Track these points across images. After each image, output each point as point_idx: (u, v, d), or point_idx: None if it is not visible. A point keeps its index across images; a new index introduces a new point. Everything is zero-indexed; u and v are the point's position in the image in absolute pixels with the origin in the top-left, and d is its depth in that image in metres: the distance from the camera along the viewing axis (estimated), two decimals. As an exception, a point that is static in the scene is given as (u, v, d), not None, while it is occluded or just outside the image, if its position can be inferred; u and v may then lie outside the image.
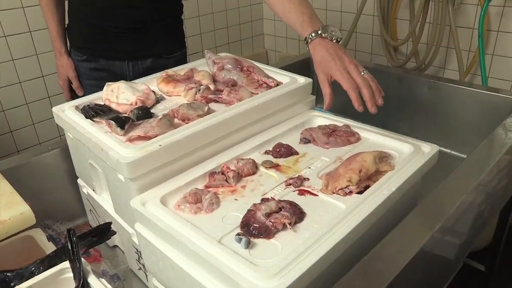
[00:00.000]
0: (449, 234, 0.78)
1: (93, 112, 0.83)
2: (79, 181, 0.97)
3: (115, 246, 0.96)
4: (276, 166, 0.80)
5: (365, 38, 2.30)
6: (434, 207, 0.75)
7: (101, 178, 0.86)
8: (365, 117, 1.49)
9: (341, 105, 1.58)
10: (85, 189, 0.95)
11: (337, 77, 0.83)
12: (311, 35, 0.88)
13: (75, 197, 1.01)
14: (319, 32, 0.88)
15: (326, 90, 0.86)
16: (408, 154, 0.80)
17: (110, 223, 0.77)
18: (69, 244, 0.62)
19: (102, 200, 0.90)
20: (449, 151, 1.33)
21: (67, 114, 0.86)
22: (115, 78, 1.00)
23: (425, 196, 0.78)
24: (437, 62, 2.02)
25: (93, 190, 0.91)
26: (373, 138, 0.88)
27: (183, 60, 1.35)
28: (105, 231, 0.76)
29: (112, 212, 0.86)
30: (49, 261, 0.65)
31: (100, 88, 0.93)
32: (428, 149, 0.82)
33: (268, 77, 1.00)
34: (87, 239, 0.72)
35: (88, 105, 0.86)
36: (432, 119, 1.36)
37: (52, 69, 1.89)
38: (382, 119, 1.45)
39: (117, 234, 0.88)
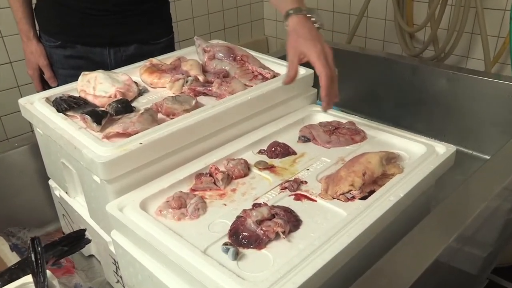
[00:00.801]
0: (469, 245, 0.78)
1: (66, 105, 0.83)
2: (51, 182, 0.97)
3: (91, 255, 0.97)
4: (270, 168, 0.80)
5: (377, 24, 2.30)
6: (450, 214, 0.75)
7: (75, 179, 0.86)
8: (375, 113, 1.52)
9: (348, 100, 1.61)
10: (57, 192, 0.95)
11: (312, 58, 0.80)
12: (296, 10, 0.85)
13: (46, 200, 1.01)
14: (304, 11, 0.86)
15: (292, 71, 0.84)
16: (419, 155, 0.80)
17: (84, 230, 0.78)
18: (32, 255, 0.62)
19: (76, 204, 0.90)
20: (469, 151, 1.33)
21: (36, 106, 0.86)
22: (95, 67, 1.00)
23: (440, 202, 0.78)
24: (459, 50, 2.00)
25: (66, 192, 0.91)
26: (381, 136, 0.88)
27: (170, 47, 1.34)
28: (78, 239, 0.76)
29: (87, 217, 0.86)
30: (10, 275, 0.65)
31: (77, 78, 0.93)
32: (443, 150, 0.82)
33: (264, 67, 1.00)
34: (57, 249, 0.72)
35: (60, 97, 0.86)
36: (451, 115, 1.36)
37: (21, 55, 1.89)
38: (395, 116, 1.47)
39: (93, 243, 0.89)
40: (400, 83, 1.44)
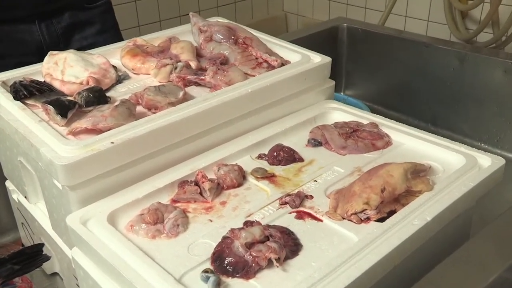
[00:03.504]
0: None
1: (26, 92, 0.83)
2: (8, 183, 0.98)
3: (55, 274, 0.97)
4: (270, 177, 0.79)
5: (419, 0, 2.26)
6: (497, 242, 0.73)
7: (36, 182, 0.86)
8: (410, 110, 1.50)
9: (377, 92, 1.59)
10: (16, 196, 0.95)
11: None
12: None
13: (2, 205, 1.01)
14: None
15: None
16: (457, 169, 0.78)
17: (42, 245, 0.78)
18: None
19: (37, 211, 0.90)
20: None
21: (-12, 91, 0.86)
22: (25, 51, 0.95)
23: (485, 225, 0.76)
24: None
25: (25, 197, 0.91)
26: (409, 143, 0.87)
27: (109, 12, 1.31)
28: (33, 256, 0.76)
29: (49, 228, 0.86)
30: None
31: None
32: (487, 162, 0.80)
33: (271, 53, 0.99)
34: (6, 267, 0.72)
35: (20, 81, 0.86)
36: (508, 116, 1.33)
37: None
38: (434, 114, 1.45)
39: (56, 258, 0.89)
40: (444, 74, 1.42)
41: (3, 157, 0.93)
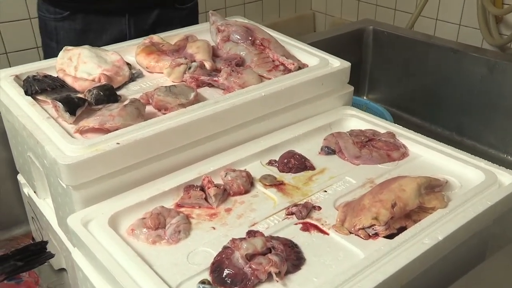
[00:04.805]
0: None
1: (38, 87, 0.82)
2: (20, 177, 0.98)
3: (62, 269, 0.96)
4: (279, 185, 0.77)
5: (452, 2, 2.19)
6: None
7: (44, 178, 0.85)
8: (434, 118, 1.46)
9: (401, 97, 1.55)
10: (26, 190, 0.95)
11: None
12: None
13: (15, 198, 1.02)
14: None
15: None
16: (475, 185, 0.75)
17: (45, 242, 0.77)
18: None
19: (45, 207, 0.90)
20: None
21: (2, 85, 0.86)
22: (113, 42, 0.98)
23: (503, 247, 0.73)
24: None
25: (35, 192, 0.91)
26: (427, 155, 0.84)
27: (193, 16, 1.34)
28: (37, 253, 0.75)
29: (55, 224, 0.86)
30: None
31: None
32: (508, 180, 0.77)
33: (288, 56, 0.97)
34: (8, 264, 0.72)
35: (34, 76, 0.86)
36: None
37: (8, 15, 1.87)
38: (459, 123, 1.41)
39: (62, 255, 0.88)
40: (471, 82, 1.37)
41: (15, 152, 0.93)
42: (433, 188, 0.73)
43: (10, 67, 0.91)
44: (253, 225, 0.69)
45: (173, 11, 1.27)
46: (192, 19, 1.33)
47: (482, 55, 1.37)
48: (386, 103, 1.54)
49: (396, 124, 0.92)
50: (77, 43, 1.19)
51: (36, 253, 0.76)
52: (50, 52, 1.24)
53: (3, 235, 1.00)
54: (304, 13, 2.86)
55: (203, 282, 0.59)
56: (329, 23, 2.80)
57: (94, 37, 1.21)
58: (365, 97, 1.61)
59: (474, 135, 1.39)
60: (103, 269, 0.62)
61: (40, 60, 0.98)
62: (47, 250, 0.77)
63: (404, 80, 1.54)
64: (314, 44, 1.04)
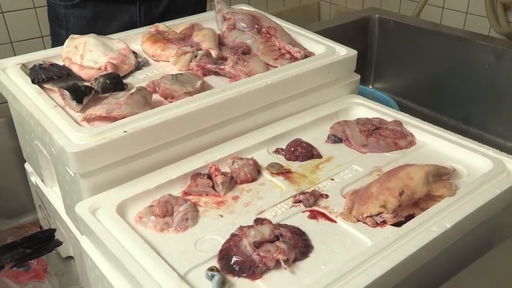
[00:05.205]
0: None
1: (44, 76, 0.82)
2: (27, 166, 0.98)
3: (70, 257, 0.97)
4: (286, 173, 0.76)
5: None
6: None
7: (51, 166, 0.85)
8: (440, 107, 1.45)
9: (408, 86, 1.54)
10: (34, 178, 0.96)
11: None
12: None
13: (22, 186, 1.02)
14: None
15: None
16: (483, 173, 0.75)
17: (53, 230, 0.77)
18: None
19: (52, 195, 0.90)
20: None
21: (9, 74, 0.86)
22: (123, 30, 0.98)
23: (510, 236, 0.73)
24: None
25: (42, 180, 0.91)
26: (434, 143, 0.83)
27: (202, 3, 1.34)
28: (45, 240, 0.76)
29: (63, 213, 0.86)
30: None
31: None
32: (517, 168, 0.76)
33: (295, 44, 0.96)
34: (17, 251, 0.72)
35: (40, 64, 0.86)
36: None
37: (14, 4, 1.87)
38: (466, 112, 1.40)
39: (70, 243, 0.89)
40: (478, 70, 1.36)
41: (23, 140, 0.93)
42: (441, 176, 0.73)
43: (15, 56, 0.91)
44: (261, 213, 0.69)
45: (182, 1, 1.27)
46: (201, 7, 1.33)
47: (490, 43, 1.35)
48: (392, 92, 1.54)
49: (402, 113, 0.91)
50: (87, 30, 1.19)
51: (44, 240, 0.76)
52: (59, 40, 1.23)
53: (11, 223, 1.01)
54: (309, 2, 2.84)
55: (211, 269, 0.59)
56: (334, 12, 2.79)
57: (104, 24, 1.21)
58: (370, 86, 1.61)
59: (480, 124, 1.38)
60: (112, 256, 0.63)
61: (45, 49, 0.98)
62: (55, 238, 0.77)
63: (411, 69, 1.53)
64: (319, 33, 1.03)
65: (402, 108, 1.19)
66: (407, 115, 0.90)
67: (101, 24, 1.21)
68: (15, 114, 0.90)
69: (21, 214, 1.06)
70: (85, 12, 1.21)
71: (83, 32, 1.19)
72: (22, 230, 1.02)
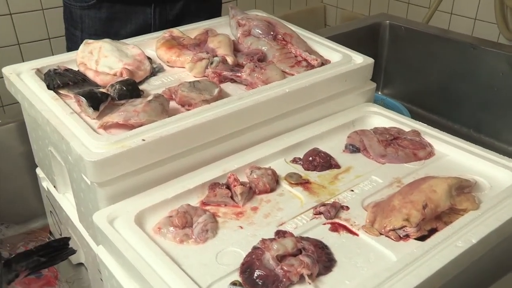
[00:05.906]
0: None
1: (59, 81, 0.81)
2: (38, 171, 0.97)
3: (81, 264, 0.96)
4: (305, 183, 0.75)
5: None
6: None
7: (65, 173, 0.84)
8: (452, 114, 1.44)
9: (418, 94, 1.53)
10: (45, 184, 0.95)
11: None
12: None
13: (33, 191, 1.01)
14: None
15: None
16: (505, 186, 0.74)
17: (68, 238, 0.76)
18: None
19: (65, 201, 0.89)
20: None
21: (24, 79, 0.85)
22: (136, 31, 0.96)
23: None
24: None
25: (54, 186, 0.90)
26: (453, 154, 0.82)
27: (217, 9, 1.33)
28: (59, 249, 0.75)
29: (76, 220, 0.85)
30: None
31: None
32: (541, 180, 0.75)
33: (311, 51, 0.95)
34: (32, 259, 0.71)
35: (55, 69, 0.85)
36: None
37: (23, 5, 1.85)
38: (478, 120, 1.39)
39: (82, 251, 0.88)
40: (491, 78, 1.36)
41: (35, 146, 0.92)
42: (464, 189, 0.72)
43: (22, 58, 0.90)
44: (281, 224, 0.68)
45: (198, 2, 1.26)
46: (216, 11, 1.32)
47: (503, 50, 1.35)
48: (401, 99, 1.53)
49: (419, 122, 0.90)
50: (101, 31, 1.20)
51: (58, 249, 0.75)
52: (74, 40, 1.23)
53: (21, 229, 1.00)
54: (315, 6, 2.83)
55: (234, 283, 0.58)
56: (340, 16, 2.78)
57: (119, 26, 1.21)
58: (379, 93, 1.60)
59: (492, 133, 1.37)
60: (130, 267, 0.61)
61: (52, 51, 0.97)
62: (70, 246, 0.76)
63: (421, 76, 1.52)
64: (329, 39, 1.02)
65: (412, 115, 1.18)
66: (425, 124, 0.89)
67: (116, 25, 1.21)
68: (29, 119, 0.89)
69: (30, 219, 1.05)
70: (100, 13, 1.21)
71: (97, 33, 1.20)
72: (32, 236, 1.01)
